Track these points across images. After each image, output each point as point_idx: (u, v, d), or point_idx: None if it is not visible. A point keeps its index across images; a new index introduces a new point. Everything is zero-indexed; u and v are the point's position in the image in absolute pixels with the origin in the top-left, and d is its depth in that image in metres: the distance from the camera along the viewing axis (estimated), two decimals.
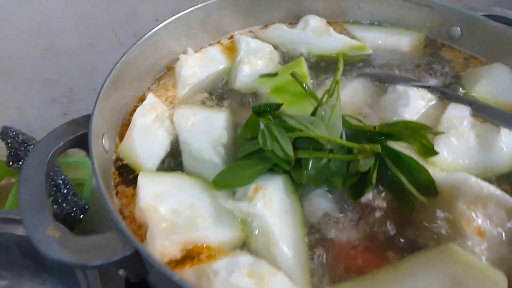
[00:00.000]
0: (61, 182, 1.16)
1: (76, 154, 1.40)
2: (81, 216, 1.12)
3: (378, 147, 0.64)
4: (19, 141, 1.24)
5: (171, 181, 0.67)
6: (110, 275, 0.99)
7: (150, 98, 0.81)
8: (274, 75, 0.87)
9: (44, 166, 0.59)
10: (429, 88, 0.83)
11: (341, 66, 0.78)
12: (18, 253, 0.94)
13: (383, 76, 0.87)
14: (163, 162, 0.73)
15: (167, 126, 0.77)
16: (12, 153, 1.23)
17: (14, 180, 1.24)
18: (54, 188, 1.15)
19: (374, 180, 0.62)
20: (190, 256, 0.60)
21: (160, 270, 0.48)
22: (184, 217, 0.62)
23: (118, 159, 0.74)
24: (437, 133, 0.72)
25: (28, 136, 1.29)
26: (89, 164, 1.22)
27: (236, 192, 0.67)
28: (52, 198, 1.14)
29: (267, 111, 0.69)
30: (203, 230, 0.61)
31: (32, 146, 1.23)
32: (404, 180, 0.64)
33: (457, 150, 0.72)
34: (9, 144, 1.23)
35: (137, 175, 0.69)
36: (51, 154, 0.61)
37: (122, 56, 0.77)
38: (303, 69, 0.87)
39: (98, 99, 0.68)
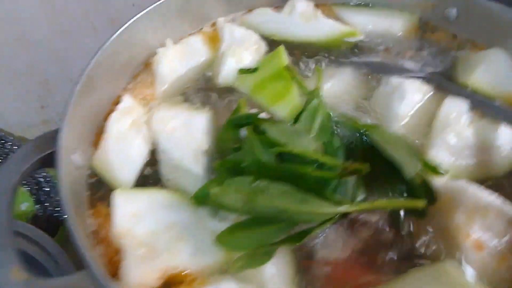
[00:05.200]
0: (42, 179, 1.11)
1: None
2: (65, 217, 1.08)
3: (366, 167, 0.57)
4: None
5: (149, 199, 0.62)
6: None
7: (126, 100, 0.75)
8: (254, 70, 0.81)
9: (8, 195, 0.54)
10: (424, 78, 0.78)
11: (320, 77, 0.72)
12: None
13: (375, 65, 0.82)
14: (141, 175, 0.69)
15: (144, 133, 0.72)
16: None
17: None
18: (36, 187, 1.10)
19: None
20: (170, 283, 0.56)
21: None
22: (163, 240, 0.58)
23: (93, 173, 0.69)
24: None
25: (5, 132, 1.23)
26: None
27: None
28: (34, 198, 1.09)
29: (247, 123, 0.64)
30: (183, 255, 0.57)
31: (9, 144, 1.17)
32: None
33: (455, 149, 0.68)
34: None
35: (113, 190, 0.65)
36: (16, 180, 0.56)
37: (93, 58, 0.71)
38: (284, 59, 0.80)
39: (68, 112, 0.63)
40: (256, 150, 0.59)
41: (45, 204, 1.07)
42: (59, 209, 1.07)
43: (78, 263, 0.87)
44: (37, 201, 1.07)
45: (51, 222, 1.06)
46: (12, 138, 1.19)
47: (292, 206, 0.54)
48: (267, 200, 0.54)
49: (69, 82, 1.30)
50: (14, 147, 1.17)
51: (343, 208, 0.56)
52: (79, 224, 0.54)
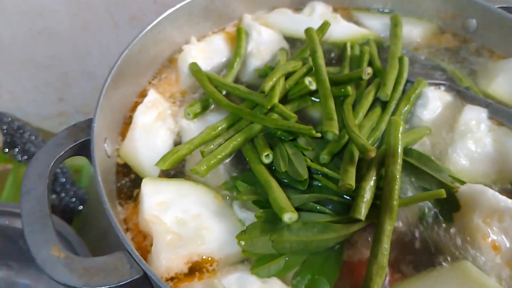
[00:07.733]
0: (59, 170, 1.13)
1: None
2: (80, 207, 1.10)
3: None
4: (15, 127, 1.21)
5: (176, 189, 0.64)
6: None
7: (152, 94, 0.77)
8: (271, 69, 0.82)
9: (45, 178, 0.56)
10: (444, 85, 0.80)
11: None
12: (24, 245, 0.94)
13: None
14: None
15: (169, 125, 0.74)
16: (8, 140, 1.19)
17: (10, 167, 1.19)
18: (53, 177, 1.12)
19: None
20: (197, 268, 0.58)
21: None
22: (189, 228, 0.60)
23: (120, 162, 0.71)
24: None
25: (23, 121, 1.25)
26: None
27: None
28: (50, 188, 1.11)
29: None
30: (208, 243, 0.59)
31: (28, 134, 1.19)
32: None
33: (474, 156, 0.70)
34: (5, 131, 1.20)
35: (141, 178, 0.67)
36: (52, 164, 0.58)
37: (122, 53, 0.73)
38: None
39: (99, 104, 0.64)
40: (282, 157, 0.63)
41: (61, 195, 1.09)
42: (74, 200, 1.09)
43: (94, 251, 0.89)
44: (53, 191, 1.09)
45: (66, 212, 1.07)
46: (30, 128, 1.22)
47: (314, 237, 0.56)
48: (292, 235, 0.56)
49: (87, 76, 1.33)
50: (32, 137, 1.20)
51: (356, 227, 0.58)
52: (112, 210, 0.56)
